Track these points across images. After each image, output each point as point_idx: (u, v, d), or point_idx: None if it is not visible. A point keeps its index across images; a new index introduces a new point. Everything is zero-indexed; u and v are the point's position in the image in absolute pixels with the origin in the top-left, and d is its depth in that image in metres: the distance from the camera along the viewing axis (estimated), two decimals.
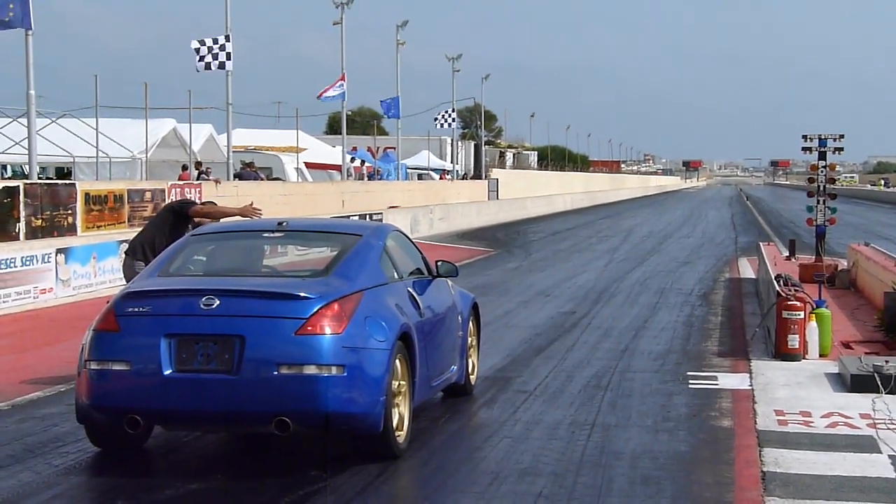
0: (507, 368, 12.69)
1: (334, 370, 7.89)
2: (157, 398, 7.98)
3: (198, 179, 30.91)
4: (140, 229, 12.63)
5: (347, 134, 45.74)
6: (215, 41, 30.50)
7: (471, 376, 11.05)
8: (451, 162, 64.87)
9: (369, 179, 47.46)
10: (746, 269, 26.70)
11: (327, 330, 7.98)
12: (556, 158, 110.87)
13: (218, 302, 8.05)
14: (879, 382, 10.87)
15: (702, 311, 18.33)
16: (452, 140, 66.35)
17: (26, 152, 22.71)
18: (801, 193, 30.60)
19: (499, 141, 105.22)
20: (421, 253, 10.32)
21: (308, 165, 46.38)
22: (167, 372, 7.96)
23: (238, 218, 11.79)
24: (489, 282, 23.29)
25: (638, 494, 7.71)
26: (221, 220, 11.82)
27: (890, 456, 8.70)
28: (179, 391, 7.93)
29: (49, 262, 19.07)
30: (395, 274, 9.31)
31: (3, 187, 20.15)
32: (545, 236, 42.85)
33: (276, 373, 7.84)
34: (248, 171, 34.76)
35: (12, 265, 18.14)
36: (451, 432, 9.68)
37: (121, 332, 8.13)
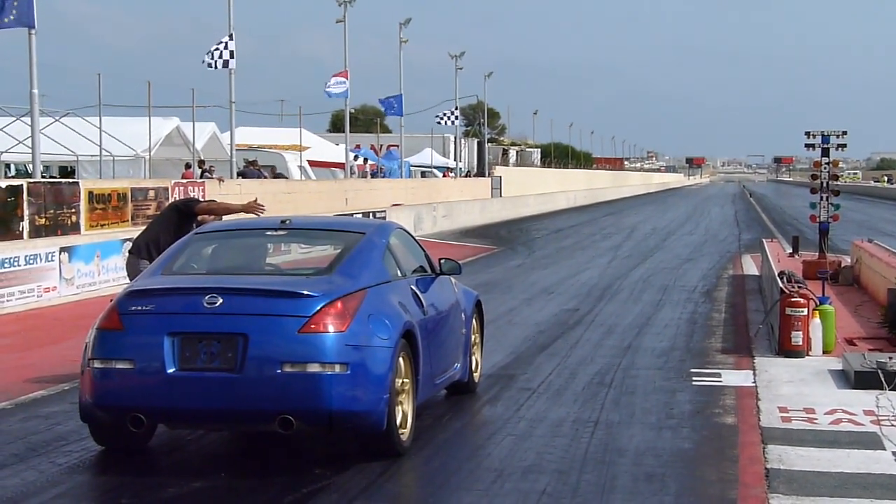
0: (510, 366, 12.69)
1: (338, 368, 7.88)
2: (160, 397, 7.98)
3: (201, 178, 30.92)
4: (144, 228, 12.63)
5: (351, 132, 45.75)
6: (220, 43, 30.80)
7: (474, 374, 11.04)
8: (455, 160, 64.88)
9: (372, 177, 47.44)
10: (750, 266, 26.71)
11: (331, 328, 7.97)
12: (559, 156, 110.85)
13: (221, 300, 8.05)
14: (883, 379, 10.87)
15: (705, 308, 18.32)
16: (455, 138, 66.37)
17: (30, 151, 22.70)
18: (805, 190, 30.54)
19: (502, 138, 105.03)
20: (424, 250, 10.31)
21: (311, 163, 46.36)
22: (171, 370, 7.95)
23: (242, 214, 11.81)
24: (492, 279, 23.29)
25: (642, 491, 7.71)
26: (225, 216, 11.83)
27: (894, 452, 8.69)
28: (183, 389, 7.93)
29: (53, 260, 19.08)
30: (399, 272, 9.30)
31: (7, 186, 20.17)
32: (548, 234, 42.85)
33: (279, 371, 7.83)
34: (251, 170, 34.80)
35: (16, 264, 18.16)
36: (454, 430, 9.68)
37: (124, 331, 8.13)
